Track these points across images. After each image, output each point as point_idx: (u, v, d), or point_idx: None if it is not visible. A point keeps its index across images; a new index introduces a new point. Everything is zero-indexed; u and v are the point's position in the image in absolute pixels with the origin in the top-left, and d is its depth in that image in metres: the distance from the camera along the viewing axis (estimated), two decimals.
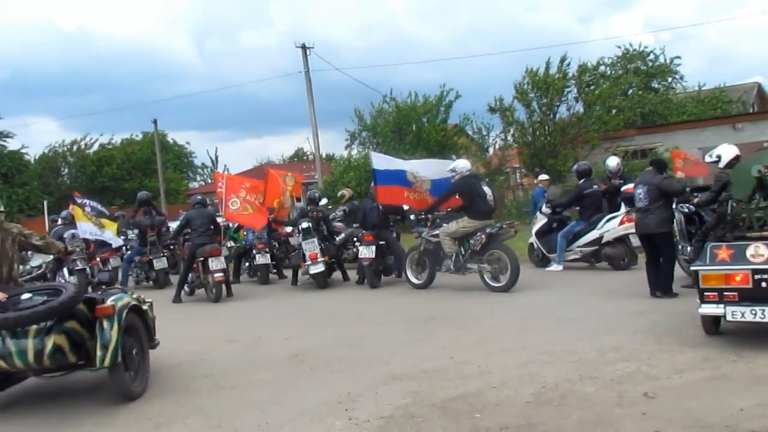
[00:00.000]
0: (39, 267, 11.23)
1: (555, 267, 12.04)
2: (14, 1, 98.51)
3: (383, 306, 9.85)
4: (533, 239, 12.77)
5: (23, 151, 43.75)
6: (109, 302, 5.72)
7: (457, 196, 10.77)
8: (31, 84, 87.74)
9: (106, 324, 5.57)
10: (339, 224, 14.19)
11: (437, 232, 10.78)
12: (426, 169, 11.98)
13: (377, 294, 11.14)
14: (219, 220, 13.16)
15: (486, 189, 10.59)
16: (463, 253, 10.52)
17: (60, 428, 5.16)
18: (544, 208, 12.63)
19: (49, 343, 5.39)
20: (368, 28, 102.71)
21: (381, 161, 11.96)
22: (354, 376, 5.93)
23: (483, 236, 10.19)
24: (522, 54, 54.70)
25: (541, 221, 12.68)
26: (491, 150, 27.91)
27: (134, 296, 6.31)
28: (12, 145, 42.42)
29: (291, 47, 30.07)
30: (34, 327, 5.39)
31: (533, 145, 25.85)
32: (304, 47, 30.02)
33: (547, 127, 25.76)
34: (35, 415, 5.58)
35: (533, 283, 10.46)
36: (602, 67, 32.20)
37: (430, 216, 11.14)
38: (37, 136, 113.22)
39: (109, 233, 13.97)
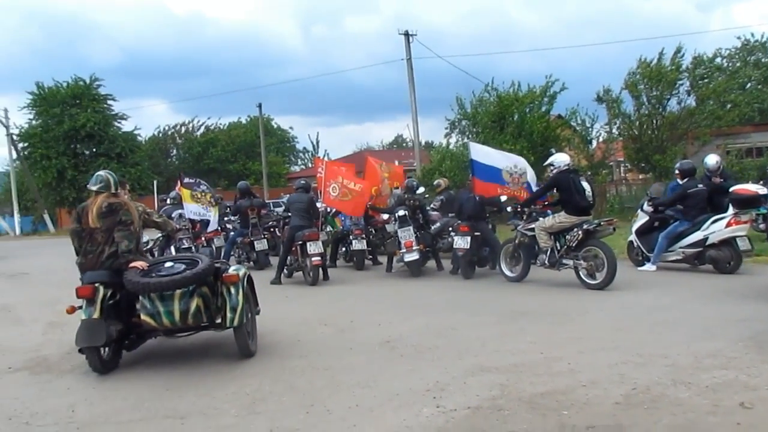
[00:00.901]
0: (146, 243, 11.89)
1: (648, 267, 11.71)
2: None
3: (476, 297, 9.90)
4: (633, 237, 12.47)
5: (136, 132, 45.81)
6: (232, 271, 6.69)
7: (554, 191, 10.66)
8: (145, 68, 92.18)
9: (233, 289, 6.52)
10: (435, 213, 14.27)
11: (533, 225, 10.71)
12: (523, 163, 11.92)
13: (470, 285, 11.19)
14: (318, 205, 13.49)
15: (585, 184, 10.43)
16: (558, 248, 10.42)
17: (164, 398, 5.50)
18: (646, 206, 12.30)
19: (193, 305, 6.27)
20: (474, 14, 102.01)
21: (479, 153, 11.97)
22: (443, 365, 6.02)
23: (580, 232, 10.06)
24: (633, 44, 53.03)
25: (642, 219, 12.36)
26: (595, 143, 27.23)
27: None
28: (126, 126, 44.52)
29: (395, 33, 30.13)
30: (180, 290, 6.23)
31: (640, 138, 25.06)
32: (407, 34, 30.23)
33: (655, 121, 24.91)
34: (152, 374, 6.00)
35: (630, 283, 10.25)
36: (719, 59, 30.77)
37: (526, 209, 11.08)
38: (149, 119, 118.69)
39: (210, 214, 14.59)
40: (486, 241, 12.08)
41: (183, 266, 6.48)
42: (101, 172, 7.10)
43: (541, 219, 10.66)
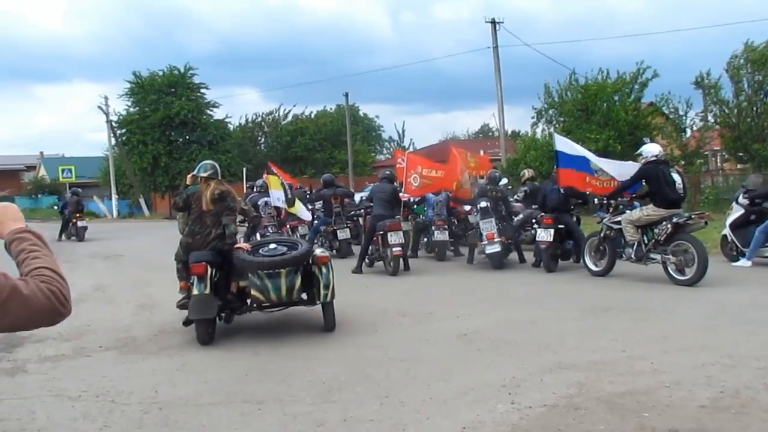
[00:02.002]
0: None
1: (743, 263, 11.18)
2: None
3: (557, 291, 9.71)
4: (727, 231, 11.92)
5: (227, 120, 46.90)
6: (320, 252, 7.63)
7: (643, 183, 10.31)
8: (239, 56, 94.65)
9: (324, 269, 7.35)
10: (518, 205, 14.06)
11: (619, 218, 10.40)
12: (608, 166, 11.51)
13: (553, 278, 10.98)
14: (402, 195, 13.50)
15: (675, 176, 10.04)
16: (646, 242, 10.08)
17: (243, 383, 5.63)
18: (741, 199, 11.73)
19: (297, 282, 7.19)
20: None
21: (564, 144, 11.69)
22: (520, 360, 5.94)
23: (669, 226, 9.70)
24: (735, 27, 50.38)
25: (737, 212, 11.78)
26: (689, 131, 26.12)
27: None
28: (217, 114, 45.64)
29: (482, 21, 29.67)
30: (286, 268, 7.10)
31: (738, 127, 23.90)
32: (493, 22, 29.80)
33: (756, 108, 23.69)
34: (233, 360, 6.14)
35: (722, 279, 9.82)
36: None
37: (612, 201, 10.77)
38: (241, 106, 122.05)
39: (303, 209, 14.79)
40: (570, 234, 11.81)
41: (285, 248, 7.40)
42: (208, 161, 7.99)
43: (627, 211, 10.33)
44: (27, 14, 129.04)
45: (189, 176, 8.13)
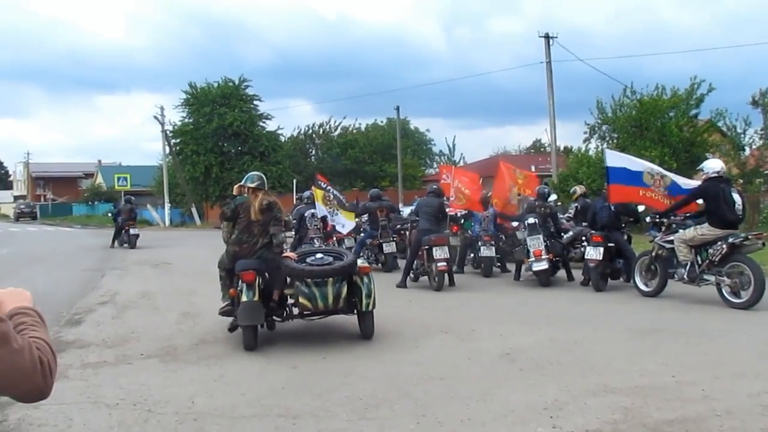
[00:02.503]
0: None
1: None
2: None
3: (606, 311, 9.45)
4: None
5: (279, 132, 47.45)
6: (362, 263, 7.90)
7: (700, 201, 9.98)
8: (294, 68, 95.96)
9: (366, 279, 7.63)
10: (567, 223, 13.79)
11: (672, 237, 10.09)
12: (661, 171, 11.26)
13: (601, 298, 10.69)
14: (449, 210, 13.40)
15: (736, 196, 9.65)
16: (699, 262, 9.74)
17: (279, 397, 5.58)
18: None
19: (343, 290, 7.47)
20: (622, 14, 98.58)
21: (616, 159, 11.43)
22: (564, 382, 5.76)
23: (724, 246, 9.36)
24: None
25: None
26: (747, 150, 25.37)
27: None
28: (270, 126, 46.21)
29: (537, 35, 29.41)
30: (333, 277, 7.39)
31: None
32: (546, 36, 29.55)
33: None
34: (271, 372, 6.10)
35: None
36: None
37: (665, 220, 10.46)
38: (294, 119, 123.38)
39: (342, 218, 14.74)
40: (620, 253, 11.51)
41: (331, 258, 7.69)
42: (255, 173, 8.17)
43: (681, 231, 10.02)
44: (92, 26, 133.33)
45: (236, 186, 8.27)
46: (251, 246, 7.62)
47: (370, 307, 7.59)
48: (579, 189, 14.87)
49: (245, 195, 7.90)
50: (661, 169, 11.57)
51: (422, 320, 8.95)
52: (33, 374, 1.59)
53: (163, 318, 9.49)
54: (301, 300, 7.46)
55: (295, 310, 7.87)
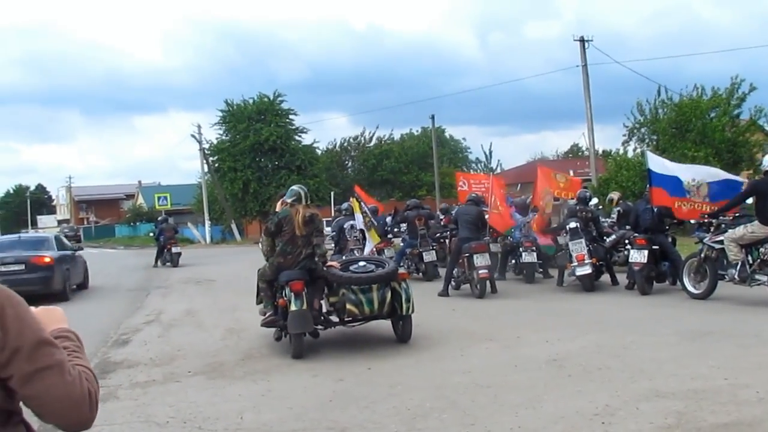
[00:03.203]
0: None
1: None
2: (313, 2, 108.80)
3: (653, 315, 9.30)
4: None
5: (315, 145, 47.74)
6: (401, 270, 8.33)
7: (750, 200, 9.77)
8: (327, 81, 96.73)
9: (404, 284, 8.02)
10: (610, 229, 13.61)
11: (721, 237, 9.89)
12: (702, 173, 11.00)
13: (647, 301, 10.53)
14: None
15: None
16: (750, 262, 9.54)
17: (327, 409, 5.60)
18: None
19: (388, 296, 7.81)
20: (659, 15, 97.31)
21: (657, 163, 11.25)
22: (614, 387, 5.68)
23: None
24: None
25: None
26: None
27: None
28: (305, 139, 46.54)
29: (572, 39, 29.08)
30: (377, 284, 7.78)
31: None
32: (582, 40, 29.28)
33: None
34: (318, 385, 6.15)
35: None
36: None
37: (714, 220, 10.26)
38: (329, 131, 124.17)
39: (369, 237, 14.67)
40: (665, 255, 11.32)
41: (374, 266, 8.10)
42: (294, 187, 8.41)
43: (730, 230, 9.82)
44: (127, 48, 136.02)
45: (279, 203, 8.52)
46: (295, 257, 7.86)
47: (410, 311, 7.96)
48: (615, 195, 14.72)
49: (287, 209, 8.08)
50: (702, 171, 11.30)
51: (466, 328, 8.93)
52: (82, 405, 1.61)
53: (209, 335, 9.60)
54: (348, 306, 7.75)
55: (334, 318, 8.24)
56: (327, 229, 11.31)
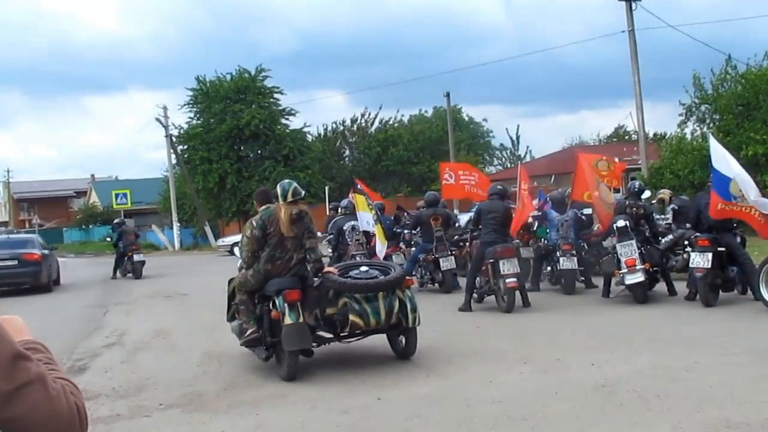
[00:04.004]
0: None
1: None
2: None
3: (720, 330, 9.36)
4: None
5: (305, 129, 47.46)
6: (414, 278, 8.09)
7: None
8: (321, 54, 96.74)
9: (409, 293, 8.28)
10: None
11: None
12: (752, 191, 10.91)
13: (712, 315, 10.60)
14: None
15: None
16: None
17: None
18: None
19: (395, 304, 8.01)
20: None
21: (719, 152, 11.20)
22: (676, 418, 5.75)
23: None
24: None
25: None
26: None
27: None
28: (294, 123, 46.31)
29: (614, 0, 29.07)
30: (383, 292, 7.97)
31: None
32: (628, 0, 29.32)
33: None
34: (316, 421, 6.18)
35: None
36: None
37: None
38: (322, 113, 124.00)
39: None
40: (733, 259, 11.36)
41: (377, 272, 8.29)
42: (285, 181, 8.51)
43: None
44: (78, 14, 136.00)
45: (257, 203, 8.71)
46: (285, 263, 8.03)
47: (417, 322, 8.19)
48: (665, 194, 14.78)
49: (270, 208, 8.19)
50: (749, 181, 11.16)
51: (494, 349, 8.99)
52: (72, 422, 1.63)
53: (183, 359, 9.65)
54: (351, 318, 7.88)
55: (326, 334, 8.40)
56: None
